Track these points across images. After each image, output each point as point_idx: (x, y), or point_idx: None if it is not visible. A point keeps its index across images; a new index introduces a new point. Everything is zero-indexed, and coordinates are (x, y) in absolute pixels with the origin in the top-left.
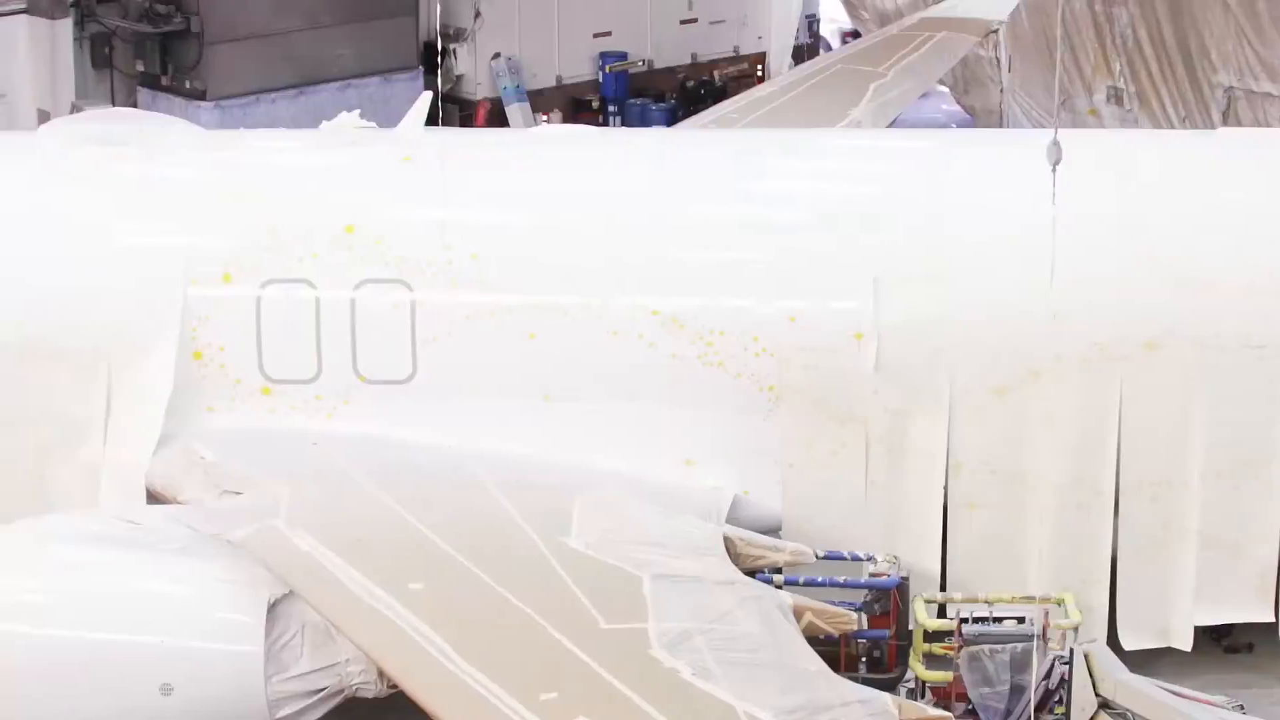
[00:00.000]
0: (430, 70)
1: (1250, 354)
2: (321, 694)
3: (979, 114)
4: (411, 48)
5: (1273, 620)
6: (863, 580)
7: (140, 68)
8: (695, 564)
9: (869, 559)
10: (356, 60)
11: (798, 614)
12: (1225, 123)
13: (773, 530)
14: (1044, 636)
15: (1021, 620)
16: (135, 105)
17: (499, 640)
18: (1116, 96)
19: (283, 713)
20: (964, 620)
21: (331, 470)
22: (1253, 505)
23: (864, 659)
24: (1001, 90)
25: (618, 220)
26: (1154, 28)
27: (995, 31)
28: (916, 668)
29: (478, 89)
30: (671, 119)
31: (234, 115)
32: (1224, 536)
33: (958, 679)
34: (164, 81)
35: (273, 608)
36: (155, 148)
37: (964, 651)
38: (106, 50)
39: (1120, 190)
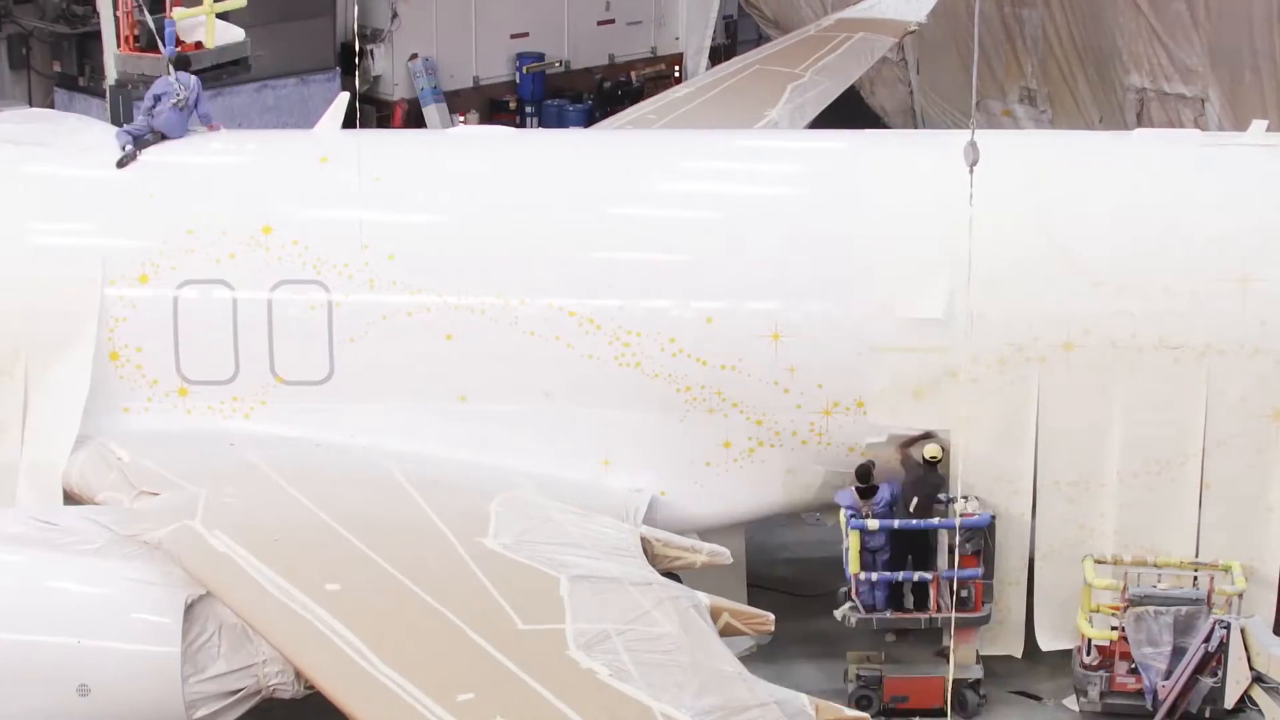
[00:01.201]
0: (347, 71)
1: (1167, 355)
2: (238, 695)
3: (889, 115)
4: (329, 49)
5: None
6: (955, 521)
7: (57, 68)
8: (613, 565)
9: (962, 499)
10: (274, 61)
11: (715, 614)
12: (1139, 123)
13: (690, 530)
14: (1209, 601)
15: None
16: (52, 106)
17: (416, 641)
18: (1030, 97)
19: (200, 713)
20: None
21: (248, 471)
22: (1169, 506)
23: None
24: (911, 92)
25: (535, 221)
26: (1064, 29)
27: (913, 32)
28: (1083, 625)
29: (395, 90)
30: (589, 120)
31: None
32: (1141, 539)
33: (1123, 637)
34: (81, 82)
35: (190, 609)
36: (73, 148)
37: (1129, 611)
38: (24, 51)
39: (1034, 191)
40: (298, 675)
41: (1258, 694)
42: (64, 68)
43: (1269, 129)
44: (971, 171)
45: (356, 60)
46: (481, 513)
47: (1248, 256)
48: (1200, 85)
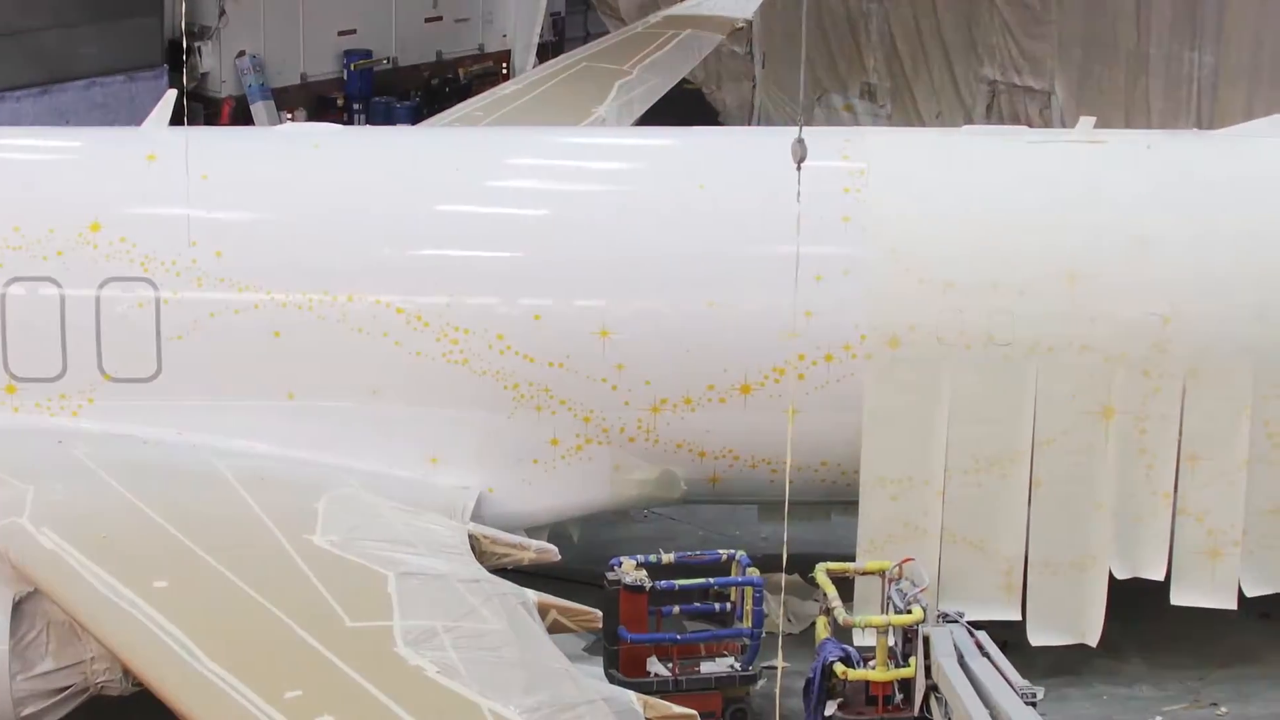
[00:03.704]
0: (175, 68)
1: (995, 351)
2: (66, 692)
3: (729, 110)
4: (157, 46)
5: (1020, 619)
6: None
7: None
8: (441, 562)
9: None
10: (101, 58)
11: (543, 611)
12: (989, 117)
13: (519, 527)
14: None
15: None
16: None
17: (244, 638)
18: (870, 92)
19: (27, 711)
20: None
21: (77, 468)
22: (997, 502)
23: None
24: (754, 86)
25: (362, 218)
26: (910, 23)
27: (741, 29)
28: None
29: (223, 87)
30: (416, 117)
31: None
32: (969, 534)
33: None
34: None
35: (17, 606)
36: None
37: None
38: None
39: (865, 188)
40: (126, 672)
41: (933, 703)
42: None
43: (1099, 125)
44: (799, 169)
45: (184, 58)
46: (309, 510)
47: (1075, 253)
48: (1048, 78)
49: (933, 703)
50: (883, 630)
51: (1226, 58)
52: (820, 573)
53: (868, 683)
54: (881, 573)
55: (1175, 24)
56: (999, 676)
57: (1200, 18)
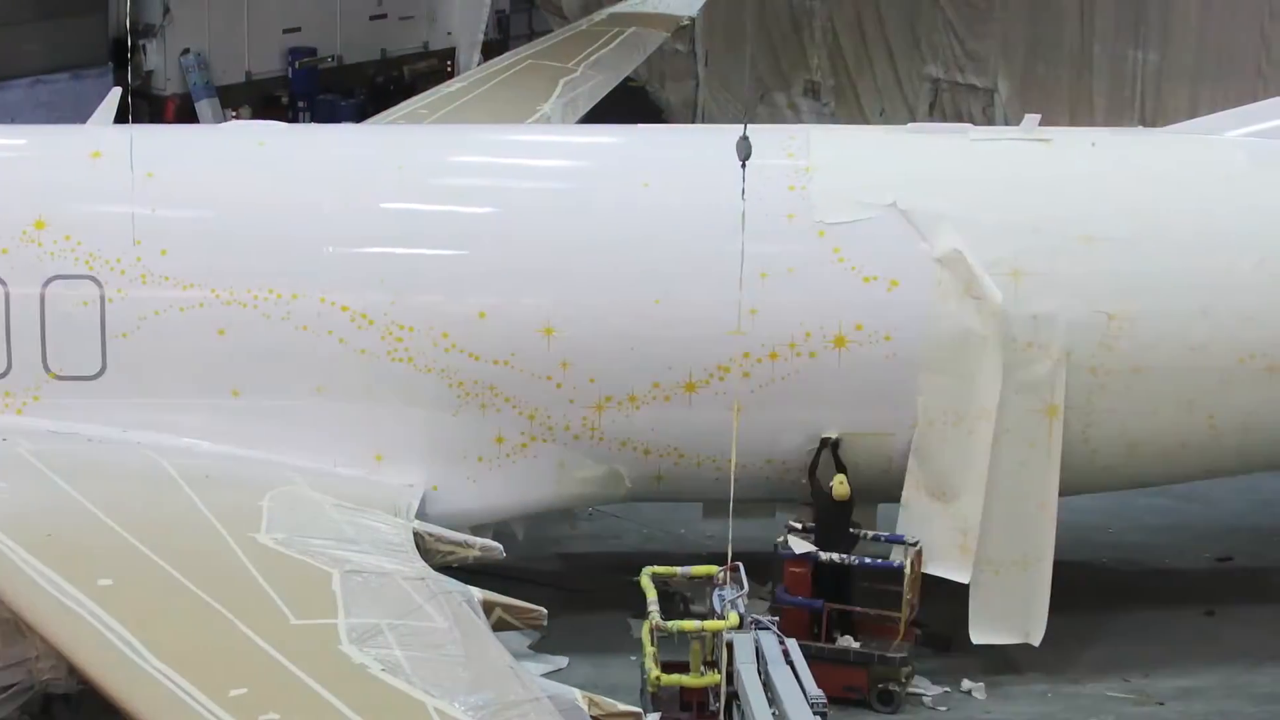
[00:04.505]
0: (120, 66)
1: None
2: (11, 690)
3: (672, 109)
4: (102, 44)
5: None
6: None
7: None
8: (385, 560)
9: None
10: (46, 56)
11: (488, 609)
12: (932, 115)
13: (464, 525)
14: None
15: None
16: None
17: (189, 636)
18: (814, 90)
19: None
20: None
21: (21, 466)
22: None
23: None
24: (697, 85)
25: (307, 216)
26: (853, 21)
27: (686, 26)
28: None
29: (167, 85)
30: (361, 115)
31: None
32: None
33: None
34: None
35: None
36: None
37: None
38: None
39: (810, 185)
40: (71, 670)
41: (734, 711)
42: None
43: (1042, 123)
44: (744, 166)
45: (129, 56)
46: (254, 508)
47: (1019, 251)
48: (991, 77)
49: (735, 710)
50: (696, 635)
51: (1170, 56)
52: (644, 576)
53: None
54: (709, 578)
55: (1119, 23)
56: (796, 685)
57: (1144, 17)
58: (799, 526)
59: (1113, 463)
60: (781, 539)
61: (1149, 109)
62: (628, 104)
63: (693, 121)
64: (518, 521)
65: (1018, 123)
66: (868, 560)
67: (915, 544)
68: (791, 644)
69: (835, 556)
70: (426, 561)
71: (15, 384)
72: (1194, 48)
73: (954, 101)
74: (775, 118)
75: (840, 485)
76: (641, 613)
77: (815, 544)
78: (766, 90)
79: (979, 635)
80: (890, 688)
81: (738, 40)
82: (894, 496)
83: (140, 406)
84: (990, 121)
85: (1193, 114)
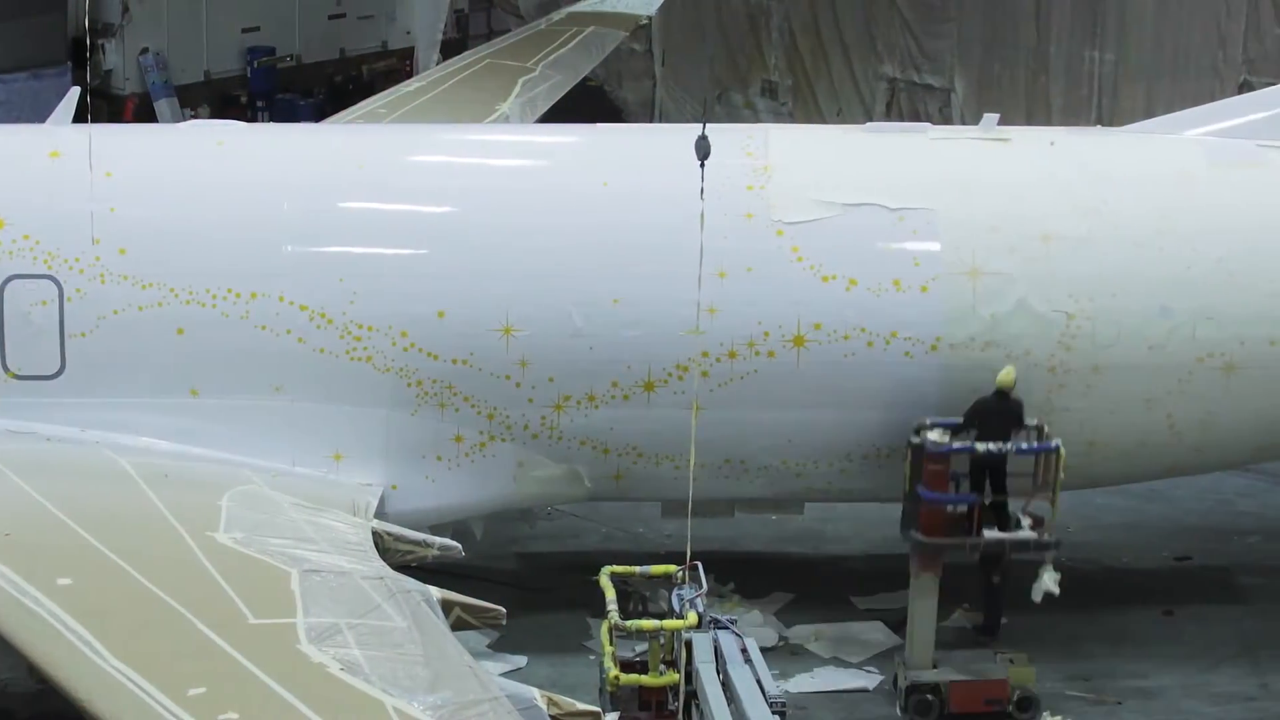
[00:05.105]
0: (79, 66)
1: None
2: None
3: (630, 108)
4: (60, 43)
5: None
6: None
7: None
8: (344, 559)
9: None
10: (5, 56)
11: (447, 608)
12: (888, 114)
13: (423, 524)
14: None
15: None
16: None
17: (148, 635)
18: (771, 90)
19: None
20: None
21: None
22: None
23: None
24: (654, 84)
25: (266, 215)
26: (809, 21)
27: (644, 26)
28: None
29: (126, 84)
30: (320, 114)
31: None
32: None
33: None
34: None
35: None
36: None
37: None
38: None
39: (768, 184)
40: (30, 670)
41: (694, 710)
42: None
43: (1010, 122)
44: (703, 166)
45: (88, 55)
46: (213, 507)
47: (977, 250)
48: (947, 76)
49: (694, 709)
50: (653, 634)
51: (1126, 56)
52: (604, 575)
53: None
54: (668, 576)
55: (1075, 22)
56: (754, 684)
57: (1100, 16)
58: (929, 423)
59: (1072, 461)
60: (917, 436)
61: (1105, 108)
62: (587, 103)
63: (651, 121)
64: (476, 521)
65: (974, 122)
66: (1023, 446)
67: (1057, 444)
68: (750, 643)
69: (993, 446)
70: (385, 561)
71: None
72: (1150, 47)
73: (910, 101)
74: (733, 117)
75: (1007, 374)
76: (601, 613)
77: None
78: (724, 90)
79: None
80: (1030, 693)
81: (694, 40)
82: (851, 495)
83: (99, 406)
84: (947, 121)
85: (1149, 114)
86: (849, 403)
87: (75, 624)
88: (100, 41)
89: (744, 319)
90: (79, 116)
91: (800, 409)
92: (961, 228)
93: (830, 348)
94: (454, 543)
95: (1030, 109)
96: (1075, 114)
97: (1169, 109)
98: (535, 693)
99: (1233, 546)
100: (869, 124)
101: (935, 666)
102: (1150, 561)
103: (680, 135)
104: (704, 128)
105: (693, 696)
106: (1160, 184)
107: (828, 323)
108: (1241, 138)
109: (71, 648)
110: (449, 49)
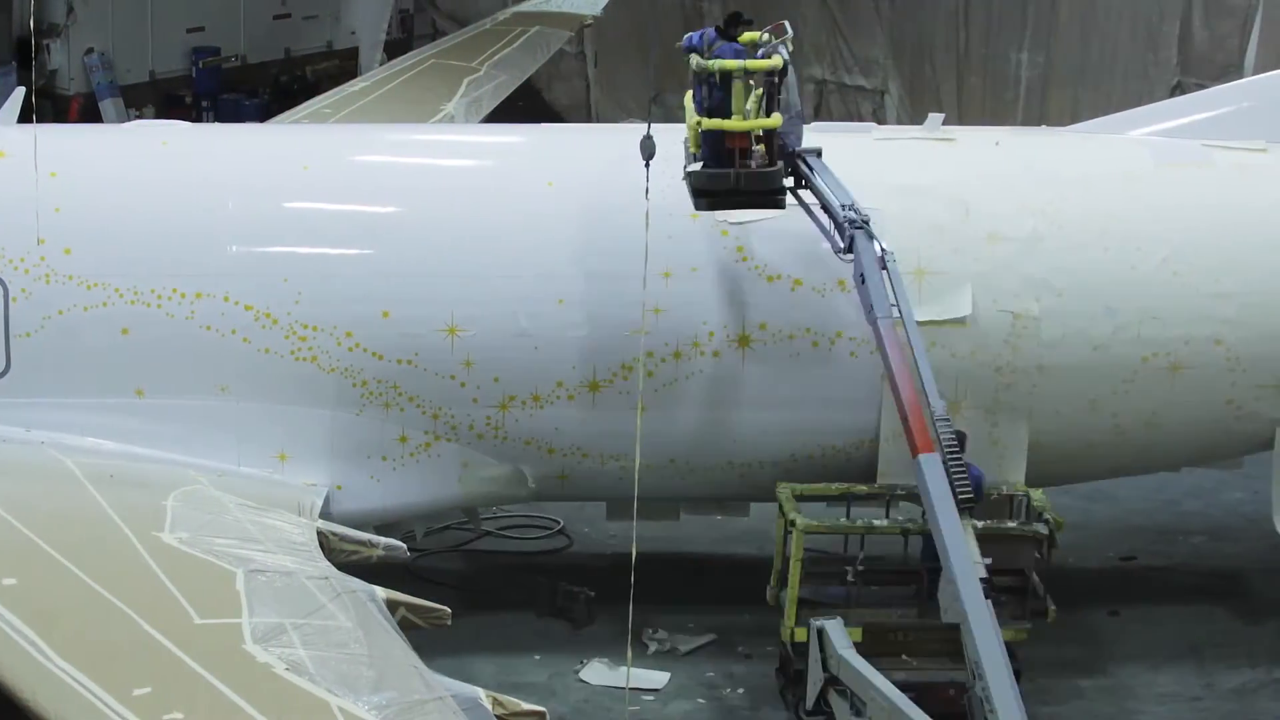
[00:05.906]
0: (24, 65)
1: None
2: None
3: (565, 110)
4: (4, 43)
5: None
6: None
7: None
8: (289, 559)
9: None
10: None
11: (392, 608)
12: (817, 116)
13: (367, 524)
14: None
15: None
16: None
17: (93, 635)
18: None
19: None
20: None
21: None
22: None
23: None
24: (589, 86)
25: (213, 215)
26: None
27: (589, 25)
28: None
29: (71, 84)
30: (265, 114)
31: None
32: None
33: None
34: None
35: None
36: None
37: None
38: None
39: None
40: None
41: (831, 696)
42: None
43: (945, 122)
44: (648, 165)
45: (33, 55)
46: (158, 507)
47: (923, 250)
48: (880, 78)
49: (833, 697)
50: (739, 75)
51: (1054, 59)
52: None
53: None
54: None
55: (1003, 25)
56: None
57: (1028, 19)
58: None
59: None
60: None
61: (1033, 112)
62: (530, 104)
63: (586, 122)
64: (419, 521)
65: (909, 123)
66: None
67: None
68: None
69: None
70: (330, 561)
71: None
72: (1078, 50)
73: (842, 103)
74: (669, 118)
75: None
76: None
77: None
78: (659, 91)
79: None
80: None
81: (627, 41)
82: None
83: (44, 406)
84: (881, 122)
85: (1076, 117)
86: (794, 403)
87: (20, 624)
88: (45, 41)
89: (689, 319)
90: (24, 116)
91: (745, 409)
92: (906, 228)
93: (775, 348)
94: (399, 543)
95: (962, 112)
96: (1001, 117)
97: (1094, 113)
98: (480, 692)
99: (1178, 547)
100: (813, 124)
101: None
102: (1095, 561)
103: (625, 135)
104: (649, 127)
105: (829, 683)
106: (1106, 184)
107: (773, 323)
108: (1187, 138)
109: (16, 647)
110: (394, 49)
